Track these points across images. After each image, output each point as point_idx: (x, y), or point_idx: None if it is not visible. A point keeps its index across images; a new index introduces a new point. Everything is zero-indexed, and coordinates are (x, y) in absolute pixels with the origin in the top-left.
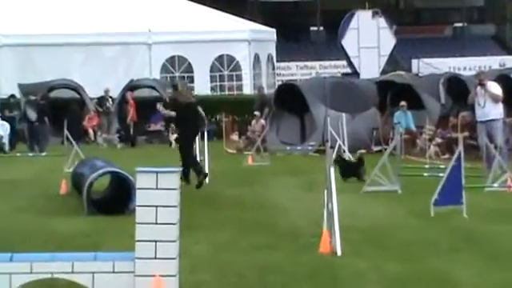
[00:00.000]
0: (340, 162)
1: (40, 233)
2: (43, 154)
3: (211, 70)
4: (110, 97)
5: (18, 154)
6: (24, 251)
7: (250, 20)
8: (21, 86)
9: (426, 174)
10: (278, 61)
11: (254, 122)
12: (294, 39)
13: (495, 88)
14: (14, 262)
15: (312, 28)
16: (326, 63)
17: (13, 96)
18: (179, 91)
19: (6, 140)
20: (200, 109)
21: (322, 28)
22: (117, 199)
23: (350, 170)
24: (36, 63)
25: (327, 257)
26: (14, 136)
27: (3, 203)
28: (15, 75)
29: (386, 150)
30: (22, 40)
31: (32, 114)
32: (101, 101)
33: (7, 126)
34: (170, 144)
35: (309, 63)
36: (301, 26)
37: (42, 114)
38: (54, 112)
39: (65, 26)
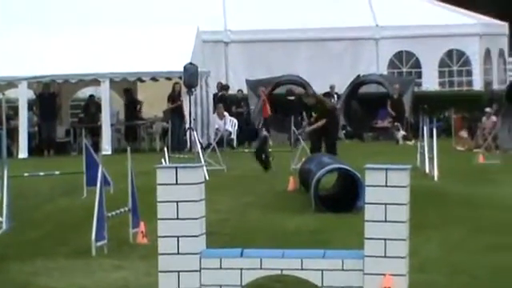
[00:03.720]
0: None
1: (268, 229)
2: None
3: (440, 65)
4: (336, 93)
5: (246, 150)
6: (253, 247)
7: (482, 13)
8: (248, 82)
9: None
10: (510, 55)
11: (484, 118)
12: None
13: None
14: (245, 257)
15: None
16: None
17: (240, 91)
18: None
19: (234, 136)
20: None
21: None
22: (344, 196)
23: None
24: (263, 59)
25: None
26: (242, 132)
27: (232, 199)
28: (243, 71)
29: None
30: (250, 36)
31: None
32: (326, 97)
33: (235, 121)
34: (397, 141)
35: None
36: None
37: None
38: (281, 108)
39: (292, 21)
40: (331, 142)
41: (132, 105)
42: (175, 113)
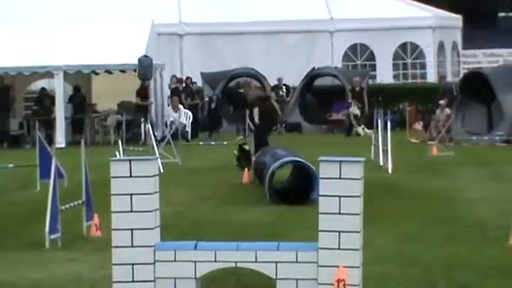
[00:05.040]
0: None
1: (223, 221)
2: (225, 142)
3: (394, 58)
4: (284, 84)
5: (201, 143)
6: (208, 240)
7: (436, 6)
8: (203, 75)
9: None
10: (463, 48)
11: (438, 111)
12: (481, 26)
13: None
14: (199, 250)
15: (500, 14)
16: None
17: (194, 83)
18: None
19: (188, 128)
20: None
21: (510, 13)
22: (298, 189)
23: None
24: (218, 52)
25: None
26: (196, 125)
27: (187, 192)
28: (198, 64)
29: None
30: (205, 28)
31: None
32: (274, 89)
33: (190, 114)
34: (350, 134)
35: (496, 50)
36: (488, 11)
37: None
38: (234, 101)
39: (247, 14)
40: (261, 130)
41: (79, 99)
42: (140, 110)
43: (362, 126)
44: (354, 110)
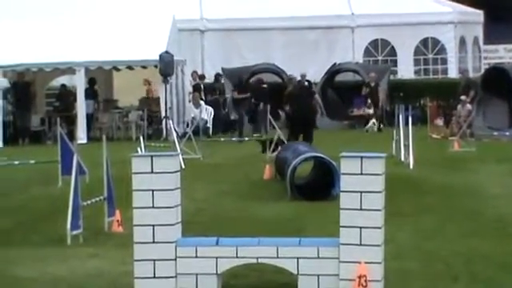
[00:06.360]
0: None
1: (244, 217)
2: (246, 138)
3: (415, 54)
4: (308, 81)
5: (222, 139)
6: (229, 235)
7: (457, 1)
8: (224, 71)
9: None
10: (484, 43)
11: (459, 106)
12: (503, 20)
13: None
14: (220, 246)
15: None
16: None
17: (219, 75)
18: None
19: (210, 124)
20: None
21: None
22: (320, 184)
23: None
24: (239, 47)
25: None
26: (218, 120)
27: (208, 187)
28: (219, 59)
29: None
30: (226, 24)
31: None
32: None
33: (211, 110)
34: (367, 130)
35: None
36: (510, 6)
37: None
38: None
39: (268, 9)
40: (308, 128)
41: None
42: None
43: (373, 121)
44: (366, 110)
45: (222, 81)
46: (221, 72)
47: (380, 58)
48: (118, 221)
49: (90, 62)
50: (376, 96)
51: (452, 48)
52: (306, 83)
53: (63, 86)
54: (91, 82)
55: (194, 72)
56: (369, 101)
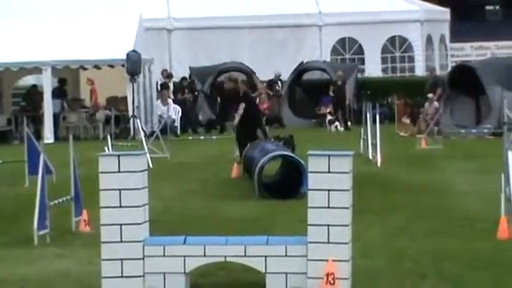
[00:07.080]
0: None
1: (212, 216)
2: (214, 137)
3: (382, 52)
4: (280, 80)
5: (190, 138)
6: (197, 234)
7: (424, 0)
8: (192, 69)
9: None
10: (451, 41)
11: (426, 104)
12: (469, 19)
13: None
14: (188, 245)
15: (488, 7)
16: (502, 43)
17: (184, 79)
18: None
19: (177, 123)
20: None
21: (498, 7)
22: (287, 183)
23: None
24: (206, 46)
25: (506, 244)
26: (185, 119)
27: (176, 186)
28: (187, 58)
29: None
30: (194, 23)
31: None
32: (270, 84)
33: (179, 109)
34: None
35: (484, 43)
36: (476, 4)
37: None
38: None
39: (235, 8)
40: (251, 128)
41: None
42: None
43: (336, 124)
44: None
45: (194, 78)
46: (189, 71)
47: (347, 56)
48: (85, 220)
49: (57, 62)
50: (343, 94)
51: (419, 46)
52: (279, 82)
53: (34, 86)
54: (62, 82)
55: (165, 70)
56: (331, 108)
